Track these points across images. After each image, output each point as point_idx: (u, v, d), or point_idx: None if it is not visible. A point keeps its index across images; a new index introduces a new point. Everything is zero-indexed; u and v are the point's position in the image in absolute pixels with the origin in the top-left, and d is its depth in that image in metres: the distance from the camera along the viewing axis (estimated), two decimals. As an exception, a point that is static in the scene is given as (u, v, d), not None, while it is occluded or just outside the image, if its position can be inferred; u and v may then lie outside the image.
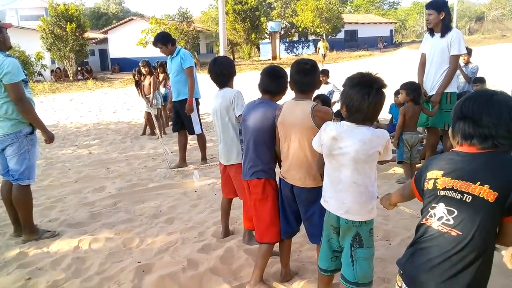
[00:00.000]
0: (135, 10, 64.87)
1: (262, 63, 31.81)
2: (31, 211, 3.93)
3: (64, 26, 24.60)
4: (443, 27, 4.63)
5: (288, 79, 2.69)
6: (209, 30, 37.64)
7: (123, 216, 4.44)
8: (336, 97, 7.66)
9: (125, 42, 33.03)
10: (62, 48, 24.99)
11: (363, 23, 47.37)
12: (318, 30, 36.82)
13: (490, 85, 7.70)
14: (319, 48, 27.47)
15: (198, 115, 6.21)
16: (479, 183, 1.54)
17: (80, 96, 17.94)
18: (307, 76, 2.57)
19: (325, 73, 7.94)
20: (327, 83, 7.92)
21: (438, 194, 1.65)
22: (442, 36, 4.62)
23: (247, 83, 18.48)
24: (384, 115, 7.83)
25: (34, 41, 24.71)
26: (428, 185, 1.70)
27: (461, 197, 1.58)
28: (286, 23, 38.60)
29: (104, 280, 3.13)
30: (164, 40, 5.92)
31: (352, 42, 43.85)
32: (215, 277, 3.06)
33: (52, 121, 11.44)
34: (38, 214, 4.45)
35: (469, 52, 7.65)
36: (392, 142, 5.97)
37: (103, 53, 37.66)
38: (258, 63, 31.60)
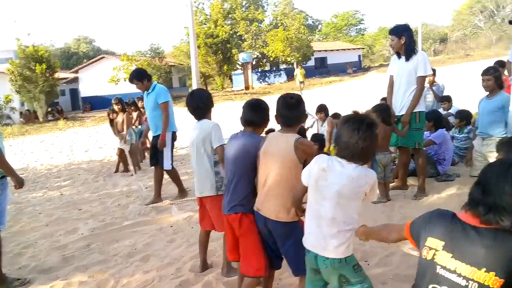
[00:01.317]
0: (106, 48, 64.78)
1: (235, 93, 32.05)
2: (0, 258, 3.74)
3: (33, 68, 24.34)
4: (407, 50, 4.76)
5: (275, 113, 2.67)
6: (181, 64, 37.87)
7: (97, 257, 4.28)
8: (309, 122, 7.74)
9: (96, 81, 32.88)
10: (32, 90, 24.66)
11: (332, 50, 48.51)
12: (289, 59, 37.53)
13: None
14: (295, 75, 27.09)
15: (172, 150, 6.11)
16: (484, 269, 1.51)
17: (51, 137, 17.62)
18: (292, 110, 2.59)
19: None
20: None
21: (438, 272, 1.62)
22: (407, 59, 4.76)
23: (222, 114, 18.54)
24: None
25: (3, 84, 24.34)
26: (428, 255, 1.67)
27: (467, 284, 1.54)
28: (258, 54, 39.20)
29: (77, 327, 2.97)
30: (139, 76, 5.93)
31: (323, 68, 44.71)
32: (194, 314, 2.95)
33: (21, 164, 11.14)
34: (6, 263, 4.21)
35: (433, 72, 7.90)
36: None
37: (74, 93, 37.30)
38: (231, 94, 31.79)
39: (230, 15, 37.82)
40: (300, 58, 37.44)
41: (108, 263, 4.12)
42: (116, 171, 8.85)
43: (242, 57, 35.32)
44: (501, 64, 6.51)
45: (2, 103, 23.27)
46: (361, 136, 2.07)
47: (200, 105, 3.49)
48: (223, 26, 35.88)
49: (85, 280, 3.75)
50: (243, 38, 38.46)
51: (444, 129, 5.90)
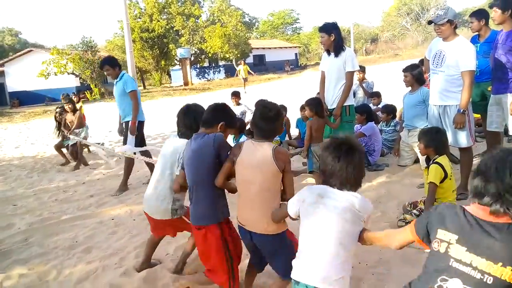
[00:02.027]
0: (34, 41, 61.41)
1: (174, 89, 31.71)
2: None
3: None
4: (336, 47, 5.10)
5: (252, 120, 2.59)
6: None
7: (37, 251, 4.22)
8: (248, 117, 7.97)
9: (24, 75, 31.17)
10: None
11: (270, 48, 49.32)
12: (227, 56, 37.66)
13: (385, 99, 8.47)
14: (239, 71, 26.59)
15: (142, 138, 6.22)
16: (501, 264, 1.51)
17: (-24, 134, 16.54)
18: (269, 123, 2.51)
19: (236, 94, 8.24)
20: (238, 104, 8.22)
21: (451, 265, 1.60)
22: (336, 56, 5.09)
23: (161, 110, 18.36)
24: (293, 131, 8.28)
25: None
26: (440, 247, 1.64)
27: (481, 277, 1.54)
28: (196, 50, 38.97)
29: (21, 316, 2.98)
30: (112, 62, 6.09)
31: (261, 66, 45.33)
32: (139, 298, 3.06)
33: None
34: None
35: (363, 70, 8.43)
36: (301, 154, 6.38)
37: (0, 88, 35.07)
38: (170, 90, 31.42)
39: (165, 10, 37.22)
40: (238, 55, 37.71)
41: (48, 256, 4.09)
42: (66, 163, 8.63)
43: (180, 52, 34.98)
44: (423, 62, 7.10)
45: None
46: (342, 164, 2.00)
47: (193, 126, 3.08)
48: (158, 21, 35.26)
49: (25, 273, 3.71)
50: (180, 33, 38.06)
51: (373, 122, 6.35)
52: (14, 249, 4.33)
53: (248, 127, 7.71)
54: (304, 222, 2.10)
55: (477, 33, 5.38)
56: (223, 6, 40.18)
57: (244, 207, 2.54)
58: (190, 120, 3.12)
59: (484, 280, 1.53)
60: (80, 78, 29.94)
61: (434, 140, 3.93)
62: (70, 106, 8.45)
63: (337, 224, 1.98)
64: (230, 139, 6.34)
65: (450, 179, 3.85)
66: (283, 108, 7.53)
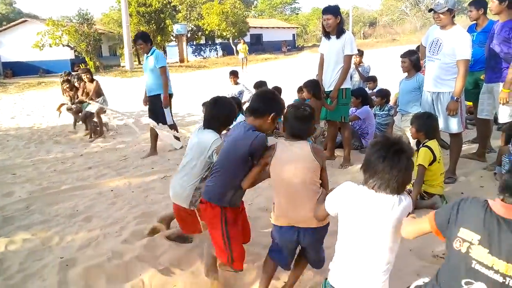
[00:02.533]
0: (28, 11, 60.46)
1: (169, 65, 31.33)
2: None
3: None
4: (339, 30, 5.18)
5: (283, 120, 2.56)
6: (111, 32, 36.34)
7: (38, 218, 4.36)
8: (246, 97, 8.06)
9: (18, 45, 30.80)
10: None
11: (268, 28, 48.96)
12: (224, 34, 37.39)
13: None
14: (239, 50, 25.87)
15: (171, 110, 6.63)
16: None
17: (-30, 103, 16.48)
18: (303, 124, 2.49)
19: (234, 74, 8.30)
20: (237, 83, 8.29)
21: (473, 267, 1.58)
22: (338, 37, 5.17)
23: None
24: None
25: None
26: (461, 247, 1.62)
27: (503, 280, 1.52)
28: (193, 26, 38.63)
29: (27, 277, 3.14)
30: (145, 37, 6.47)
31: (258, 45, 45.08)
32: (140, 263, 3.22)
33: None
34: None
35: (361, 53, 8.51)
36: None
37: (-7, 57, 34.69)
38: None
39: (163, -16, 36.73)
40: (236, 34, 37.47)
41: (50, 223, 4.23)
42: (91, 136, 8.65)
43: (176, 28, 34.68)
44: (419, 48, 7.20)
45: None
46: (386, 165, 1.89)
47: (221, 115, 3.12)
48: (156, -5, 34.83)
49: (28, 238, 3.86)
50: (177, 9, 37.68)
51: (368, 106, 6.49)
52: (16, 216, 4.46)
53: (245, 106, 7.82)
54: (345, 227, 2.05)
55: (475, 22, 5.48)
56: (222, -18, 39.70)
57: (288, 206, 2.48)
58: (218, 112, 3.11)
59: (507, 283, 1.51)
60: (75, 50, 29.63)
61: (425, 125, 4.09)
62: (88, 76, 8.57)
63: (384, 232, 1.93)
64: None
65: (438, 162, 4.03)
66: (277, 89, 7.64)
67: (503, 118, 4.76)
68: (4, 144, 8.43)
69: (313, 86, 5.21)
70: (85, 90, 8.66)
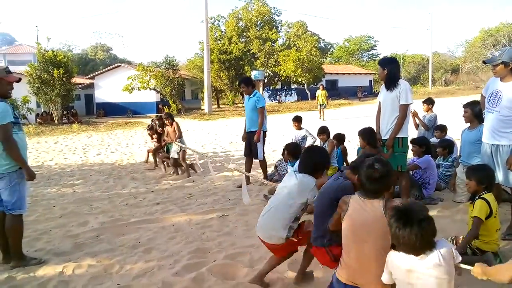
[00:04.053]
0: (122, 57, 66.29)
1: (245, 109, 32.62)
2: (21, 240, 4.30)
3: (51, 72, 25.21)
4: (387, 81, 5.31)
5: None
6: (194, 77, 38.74)
7: (105, 247, 4.81)
8: (309, 142, 8.24)
9: (111, 88, 33.72)
10: (49, 93, 25.48)
11: (343, 73, 49.30)
12: (300, 79, 38.24)
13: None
14: (317, 96, 23.27)
15: (263, 145, 7.43)
16: None
17: (65, 139, 18.27)
18: (375, 184, 2.52)
19: (297, 119, 8.55)
20: (300, 128, 8.52)
21: None
22: (387, 89, 5.29)
23: (232, 129, 19.16)
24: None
25: (21, 86, 25.18)
26: None
27: None
28: (269, 72, 40.00)
29: (87, 298, 3.49)
30: (246, 82, 7.51)
31: (333, 91, 45.39)
32: (186, 295, 3.46)
33: (36, 162, 11.74)
34: (24, 245, 4.73)
35: (431, 102, 8.43)
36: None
37: (89, 98, 38.26)
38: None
39: (244, 33, 38.80)
40: (311, 79, 38.15)
41: (114, 252, 4.65)
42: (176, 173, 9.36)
43: (254, 74, 36.02)
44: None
45: (20, 104, 24.08)
46: (414, 236, 2.10)
47: (317, 162, 3.49)
48: (237, 44, 36.85)
49: (93, 264, 4.28)
50: (256, 56, 39.34)
51: (430, 155, 6.37)
52: (87, 243, 4.95)
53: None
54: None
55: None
56: (300, 31, 41.01)
57: (354, 267, 2.55)
58: (310, 160, 3.48)
59: None
60: (161, 94, 31.86)
61: (488, 177, 3.95)
62: (169, 120, 9.39)
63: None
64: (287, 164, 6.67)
65: (495, 217, 3.87)
66: (341, 137, 7.74)
67: None
68: (87, 178, 9.30)
69: (367, 134, 5.29)
70: (168, 133, 9.44)
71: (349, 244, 2.56)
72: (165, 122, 9.52)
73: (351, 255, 2.55)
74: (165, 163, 9.70)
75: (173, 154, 9.10)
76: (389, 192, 4.04)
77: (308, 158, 3.48)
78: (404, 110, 5.24)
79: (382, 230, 2.38)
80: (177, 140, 9.06)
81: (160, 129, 10.00)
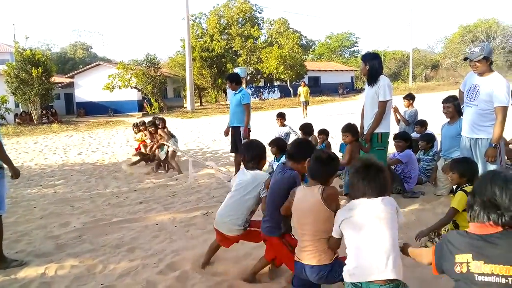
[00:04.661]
0: (102, 55, 65.49)
1: (228, 106, 32.45)
2: (1, 241, 4.21)
3: (30, 71, 24.75)
4: (368, 77, 5.37)
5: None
6: (176, 75, 38.48)
7: (88, 247, 4.75)
8: (292, 138, 8.26)
9: (91, 87, 33.23)
10: (27, 92, 25.01)
11: (326, 70, 49.55)
12: (282, 76, 38.36)
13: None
14: (299, 93, 23.16)
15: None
16: None
17: (45, 139, 17.97)
18: (321, 166, 2.77)
19: (281, 116, 8.58)
20: (284, 125, 8.55)
21: (477, 279, 1.81)
22: (369, 84, 5.35)
23: (215, 126, 19.09)
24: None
25: (-2, 85, 24.72)
26: (462, 269, 1.85)
27: (506, 281, 1.76)
28: (252, 70, 40.03)
29: (70, 299, 3.44)
30: (231, 78, 7.57)
31: (316, 88, 45.62)
32: (170, 293, 3.44)
33: (16, 163, 11.31)
34: (5, 247, 4.62)
35: (411, 97, 8.54)
36: (340, 177, 6.58)
37: (69, 97, 37.62)
38: (224, 107, 32.33)
39: (226, 31, 38.72)
40: (293, 76, 38.30)
41: (97, 252, 4.59)
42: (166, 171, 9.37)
43: (236, 71, 36.07)
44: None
45: (-2, 104, 23.68)
46: (372, 183, 2.42)
47: (257, 155, 3.76)
48: (219, 41, 36.78)
49: (76, 264, 4.22)
50: (238, 53, 39.34)
51: (411, 150, 6.45)
52: (69, 244, 4.88)
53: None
54: (347, 232, 2.46)
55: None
56: (282, 28, 41.16)
57: (300, 246, 2.83)
58: (253, 153, 3.76)
59: (509, 282, 1.75)
60: (142, 92, 31.59)
61: (470, 170, 3.97)
62: (153, 128, 9.30)
63: (378, 225, 2.36)
64: (271, 159, 6.68)
65: (474, 210, 3.93)
66: (324, 132, 7.77)
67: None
68: (68, 178, 9.17)
69: (348, 128, 5.39)
70: (158, 138, 9.35)
71: (296, 227, 2.90)
72: (150, 131, 9.48)
73: (298, 237, 2.88)
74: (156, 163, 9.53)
75: (162, 155, 9.02)
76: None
77: (247, 152, 3.79)
78: (382, 106, 5.28)
79: (320, 214, 2.67)
80: (170, 141, 9.00)
81: (153, 129, 9.60)
